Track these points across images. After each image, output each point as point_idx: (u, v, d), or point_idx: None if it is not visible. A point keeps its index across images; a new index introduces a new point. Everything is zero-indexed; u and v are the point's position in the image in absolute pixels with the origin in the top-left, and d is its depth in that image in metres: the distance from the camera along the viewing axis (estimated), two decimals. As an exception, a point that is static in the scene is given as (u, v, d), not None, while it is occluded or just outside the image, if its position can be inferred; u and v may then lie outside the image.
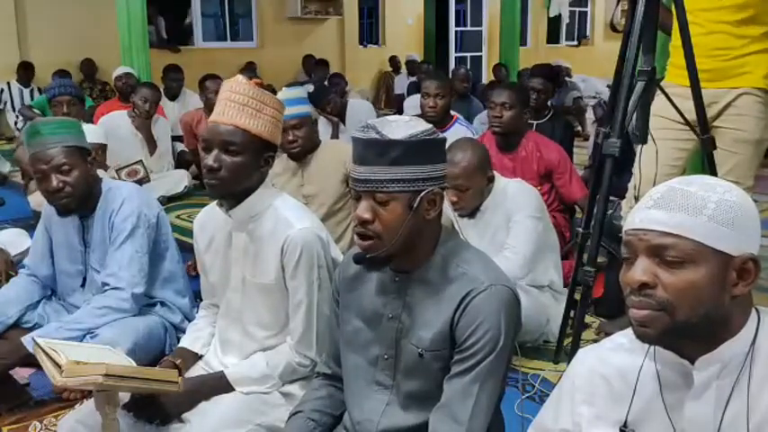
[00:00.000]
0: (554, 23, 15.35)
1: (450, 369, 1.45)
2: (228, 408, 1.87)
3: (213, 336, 2.11)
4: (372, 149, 1.39)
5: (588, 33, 16.35)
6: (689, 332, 1.08)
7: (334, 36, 12.14)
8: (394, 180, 1.39)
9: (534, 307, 2.68)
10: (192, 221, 3.14)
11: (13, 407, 2.39)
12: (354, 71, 11.59)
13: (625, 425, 1.19)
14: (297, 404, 1.72)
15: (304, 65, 11.03)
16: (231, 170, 1.81)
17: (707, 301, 1.06)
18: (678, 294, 1.06)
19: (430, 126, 1.44)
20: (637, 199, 2.18)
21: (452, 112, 4.26)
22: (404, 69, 11.99)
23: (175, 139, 5.91)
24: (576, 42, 16.06)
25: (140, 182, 4.83)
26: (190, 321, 2.38)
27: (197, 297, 2.46)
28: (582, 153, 6.04)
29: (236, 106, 1.82)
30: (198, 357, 2.08)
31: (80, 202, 2.45)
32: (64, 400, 2.36)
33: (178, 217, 5.01)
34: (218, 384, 1.92)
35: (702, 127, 2.40)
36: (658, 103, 2.43)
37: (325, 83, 7.29)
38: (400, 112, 6.96)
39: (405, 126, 1.41)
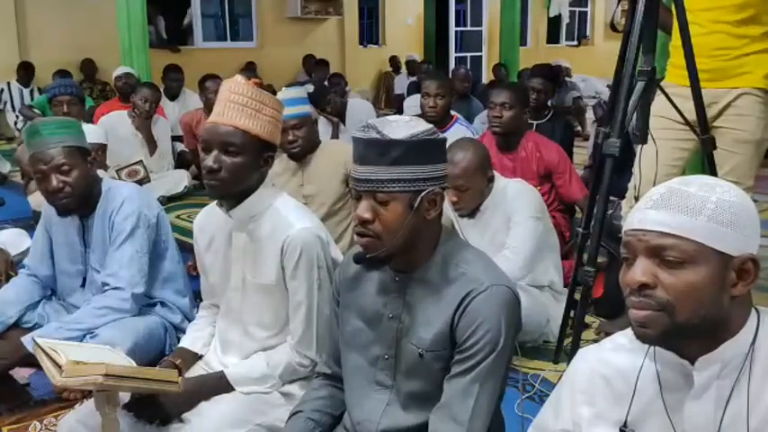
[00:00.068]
0: (554, 23, 15.37)
1: (450, 369, 1.45)
2: (228, 408, 1.87)
3: (213, 336, 2.11)
4: (373, 149, 1.39)
5: (588, 33, 16.36)
6: (689, 332, 1.08)
7: (334, 36, 12.15)
8: (394, 180, 1.39)
9: (534, 307, 2.68)
10: (192, 221, 3.14)
11: (13, 407, 2.38)
12: (354, 71, 11.59)
13: (625, 425, 1.19)
14: (297, 404, 1.72)
15: (304, 65, 11.04)
16: (231, 171, 1.81)
17: (707, 302, 1.06)
18: (678, 295, 1.06)
19: (430, 126, 1.44)
20: (637, 199, 2.17)
21: (452, 112, 4.26)
22: (404, 69, 12.00)
23: (175, 139, 5.91)
24: (575, 42, 16.07)
25: (140, 182, 4.84)
26: (190, 321, 2.38)
27: (197, 297, 2.46)
28: (582, 153, 6.03)
29: (236, 107, 1.81)
30: (198, 357, 2.08)
31: (80, 202, 2.45)
32: (64, 400, 2.36)
33: (178, 217, 5.01)
34: (218, 384, 1.92)
35: (702, 127, 2.39)
36: (658, 103, 2.43)
37: (325, 83, 7.28)
38: (400, 112, 6.95)
39: (405, 126, 1.41)
